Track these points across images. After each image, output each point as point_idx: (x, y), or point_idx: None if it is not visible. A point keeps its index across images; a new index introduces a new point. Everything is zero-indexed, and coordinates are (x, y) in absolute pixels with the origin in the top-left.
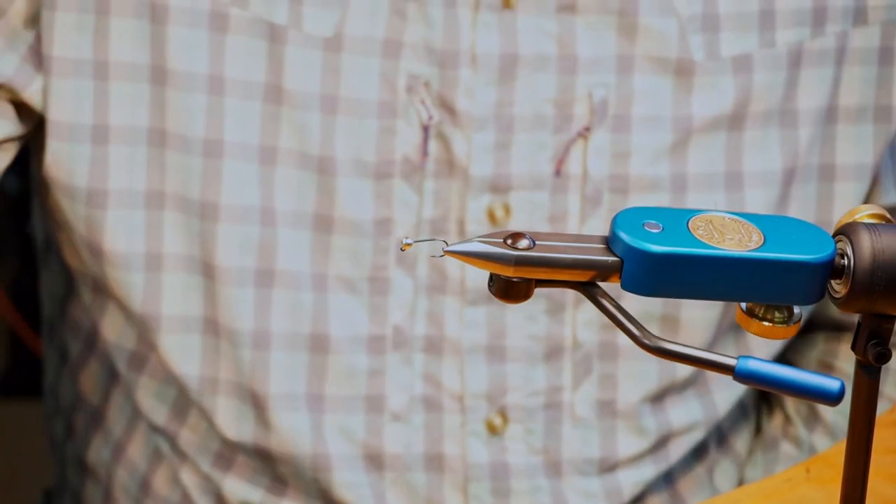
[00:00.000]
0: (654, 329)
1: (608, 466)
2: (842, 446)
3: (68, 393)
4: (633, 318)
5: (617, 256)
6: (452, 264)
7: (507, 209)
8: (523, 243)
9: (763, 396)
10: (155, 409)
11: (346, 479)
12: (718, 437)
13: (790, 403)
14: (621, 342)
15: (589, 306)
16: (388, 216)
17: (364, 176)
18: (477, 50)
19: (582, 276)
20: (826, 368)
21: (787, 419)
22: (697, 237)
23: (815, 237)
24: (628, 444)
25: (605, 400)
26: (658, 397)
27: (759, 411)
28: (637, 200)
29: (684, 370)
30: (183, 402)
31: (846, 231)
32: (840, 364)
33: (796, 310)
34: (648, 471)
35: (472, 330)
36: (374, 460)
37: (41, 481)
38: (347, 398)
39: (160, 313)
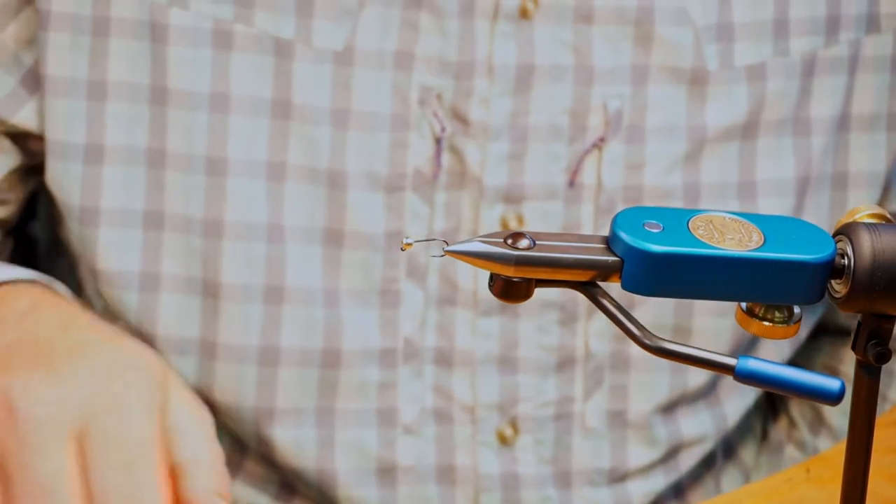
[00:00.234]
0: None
1: (618, 477)
2: (842, 446)
3: None
4: (634, 318)
5: (617, 256)
6: (464, 275)
7: (520, 219)
8: (524, 243)
9: (768, 401)
10: None
11: (352, 494)
12: (725, 446)
13: (795, 408)
14: (633, 353)
15: (601, 317)
16: (399, 229)
17: (375, 189)
18: (494, 60)
19: (582, 276)
20: (831, 372)
21: (792, 423)
22: (697, 237)
23: (815, 237)
24: (639, 454)
25: (616, 410)
26: (669, 408)
27: (764, 417)
28: None
29: (695, 381)
30: None
31: (846, 231)
32: (844, 368)
33: (796, 309)
34: (658, 481)
35: (485, 340)
36: (387, 474)
37: None
38: (359, 412)
39: (156, 333)
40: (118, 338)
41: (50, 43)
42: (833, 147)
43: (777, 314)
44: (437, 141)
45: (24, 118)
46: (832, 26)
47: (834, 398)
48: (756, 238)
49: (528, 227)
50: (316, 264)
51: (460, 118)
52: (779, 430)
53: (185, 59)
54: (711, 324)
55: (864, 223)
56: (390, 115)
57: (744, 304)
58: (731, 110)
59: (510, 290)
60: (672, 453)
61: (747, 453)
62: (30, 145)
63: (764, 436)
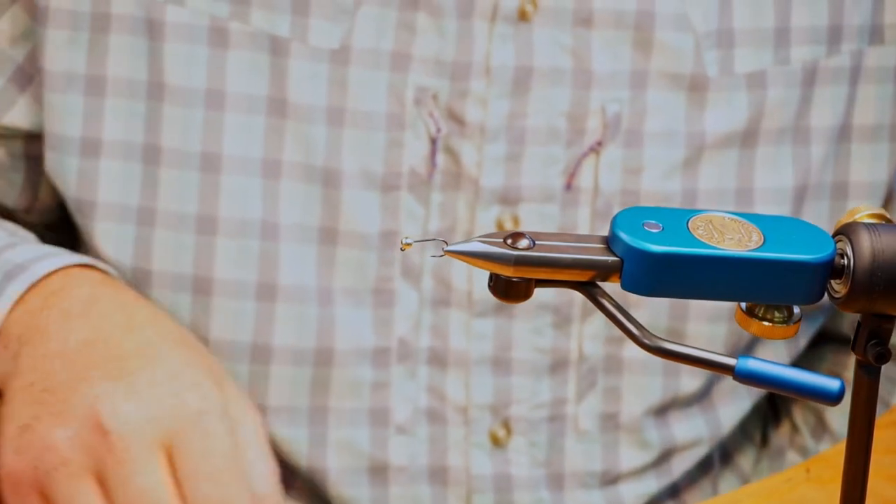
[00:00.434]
0: None
1: (610, 479)
2: (842, 446)
3: None
4: (633, 319)
5: (617, 256)
6: (458, 276)
7: (516, 221)
8: (523, 243)
9: (771, 406)
10: None
11: (344, 493)
12: (722, 452)
13: (798, 413)
14: (626, 355)
15: (595, 319)
16: (394, 229)
17: (370, 188)
18: (492, 62)
19: (582, 276)
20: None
21: (794, 428)
22: (697, 237)
23: (815, 237)
24: (631, 457)
25: (609, 413)
26: (661, 411)
27: (765, 423)
28: None
29: (689, 385)
30: None
31: (846, 231)
32: (849, 374)
33: (796, 310)
34: (651, 484)
35: (479, 342)
36: (379, 473)
37: None
38: (352, 411)
39: None
40: (180, 340)
41: (48, 39)
42: (833, 157)
43: (777, 314)
44: (433, 141)
45: (14, 118)
46: (834, 36)
47: (833, 398)
48: (756, 238)
49: (524, 229)
50: (310, 262)
51: (456, 119)
52: (781, 435)
53: (181, 56)
54: (706, 329)
55: (863, 223)
56: (386, 114)
57: (743, 304)
58: (731, 117)
59: (510, 290)
60: (665, 457)
61: (745, 460)
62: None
63: (764, 443)
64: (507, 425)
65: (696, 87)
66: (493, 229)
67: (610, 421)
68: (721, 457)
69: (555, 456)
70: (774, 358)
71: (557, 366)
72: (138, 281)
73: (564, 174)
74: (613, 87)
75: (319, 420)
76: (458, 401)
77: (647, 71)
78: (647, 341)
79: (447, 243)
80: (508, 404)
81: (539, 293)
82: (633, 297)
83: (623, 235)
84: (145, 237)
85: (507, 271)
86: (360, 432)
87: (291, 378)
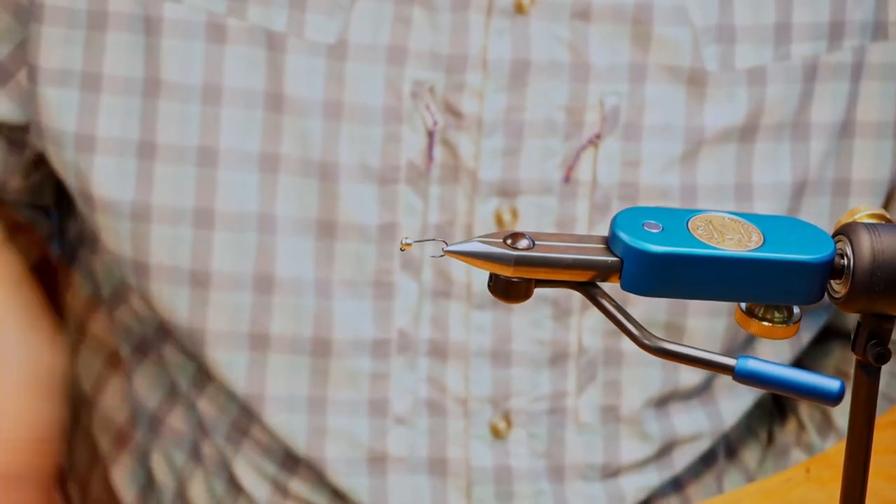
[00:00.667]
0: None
1: (611, 472)
2: (842, 446)
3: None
4: (633, 319)
5: (617, 256)
6: (458, 269)
7: (514, 213)
8: (523, 243)
9: (776, 405)
10: (149, 397)
11: (342, 482)
12: (727, 447)
13: (804, 410)
14: (625, 348)
15: (594, 312)
16: (393, 221)
17: (368, 181)
18: (489, 55)
19: (582, 276)
20: (842, 376)
21: (801, 426)
22: (697, 237)
23: (815, 237)
24: (631, 449)
25: (609, 406)
26: (662, 403)
27: (771, 420)
28: None
29: (688, 378)
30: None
31: (846, 231)
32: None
33: (796, 310)
34: (652, 477)
35: (479, 334)
36: (378, 463)
37: None
38: (351, 402)
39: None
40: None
41: (43, 35)
42: (835, 153)
43: (777, 314)
44: (430, 134)
45: None
46: (836, 32)
47: (834, 398)
48: (756, 238)
49: (523, 222)
50: (308, 255)
51: (453, 112)
52: (787, 433)
53: (178, 52)
54: (705, 324)
55: (863, 223)
56: (383, 108)
57: (743, 304)
58: (730, 112)
59: (510, 290)
60: (666, 450)
61: (750, 456)
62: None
63: (770, 440)
64: (507, 417)
65: (696, 81)
66: (491, 222)
67: (610, 413)
68: (726, 453)
69: (555, 448)
70: (776, 354)
71: (557, 358)
72: (137, 274)
73: (563, 167)
74: (612, 80)
75: (318, 410)
76: (458, 392)
77: (645, 64)
78: (646, 341)
79: (447, 243)
80: (508, 396)
81: None
82: (631, 294)
83: (623, 235)
84: (143, 231)
85: (506, 271)
86: (359, 423)
87: (289, 367)
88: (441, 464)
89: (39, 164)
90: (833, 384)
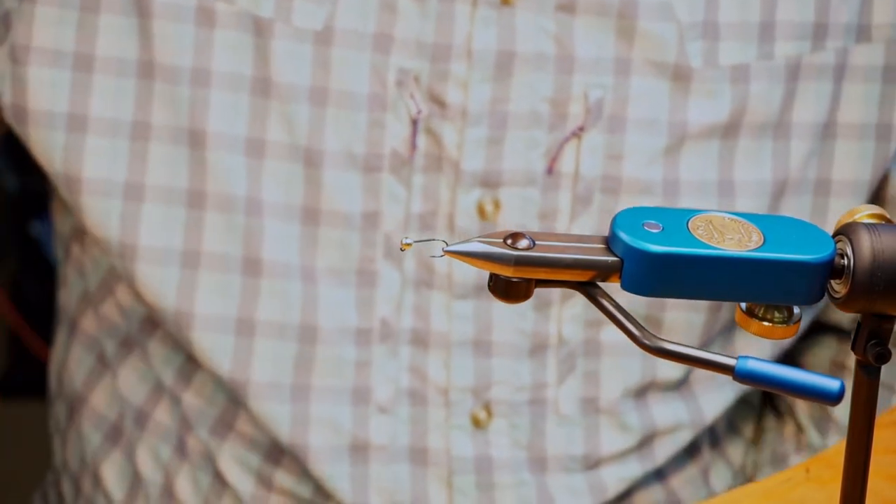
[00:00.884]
0: None
1: (592, 463)
2: (842, 446)
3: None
4: (633, 318)
5: (617, 256)
6: (440, 259)
7: (497, 204)
8: (523, 243)
9: (771, 407)
10: (135, 393)
11: (324, 469)
12: (712, 440)
13: (801, 409)
14: (605, 339)
15: (575, 303)
16: (377, 210)
17: (352, 169)
18: (474, 45)
19: (582, 276)
20: (839, 368)
21: (799, 428)
22: (697, 237)
23: (815, 237)
24: (612, 440)
25: (589, 397)
26: (640, 394)
27: (762, 417)
28: (628, 202)
29: (667, 370)
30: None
31: (846, 231)
32: (852, 364)
33: (796, 310)
34: (634, 468)
35: (460, 323)
36: (359, 451)
37: (41, 481)
38: (334, 389)
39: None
40: None
41: (37, 16)
42: (817, 153)
43: (777, 314)
44: (413, 122)
45: None
46: (819, 32)
47: (834, 398)
48: (756, 238)
49: (505, 213)
50: (293, 240)
51: (437, 101)
52: (786, 440)
53: (168, 35)
54: (684, 317)
55: (863, 223)
56: (368, 95)
57: (743, 304)
58: (714, 109)
59: (510, 290)
60: (646, 441)
61: (734, 450)
62: None
63: (756, 439)
64: (487, 407)
65: (680, 76)
66: (474, 212)
67: (590, 405)
68: (711, 446)
69: (536, 439)
70: (759, 348)
71: (537, 349)
72: (124, 257)
73: (546, 158)
74: (596, 72)
75: (302, 397)
76: (439, 382)
77: (630, 58)
78: (647, 342)
79: (447, 243)
80: (489, 386)
81: None
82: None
83: (623, 235)
84: (133, 211)
85: (507, 271)
86: (341, 410)
87: (275, 353)
88: (422, 453)
89: None
90: (833, 384)
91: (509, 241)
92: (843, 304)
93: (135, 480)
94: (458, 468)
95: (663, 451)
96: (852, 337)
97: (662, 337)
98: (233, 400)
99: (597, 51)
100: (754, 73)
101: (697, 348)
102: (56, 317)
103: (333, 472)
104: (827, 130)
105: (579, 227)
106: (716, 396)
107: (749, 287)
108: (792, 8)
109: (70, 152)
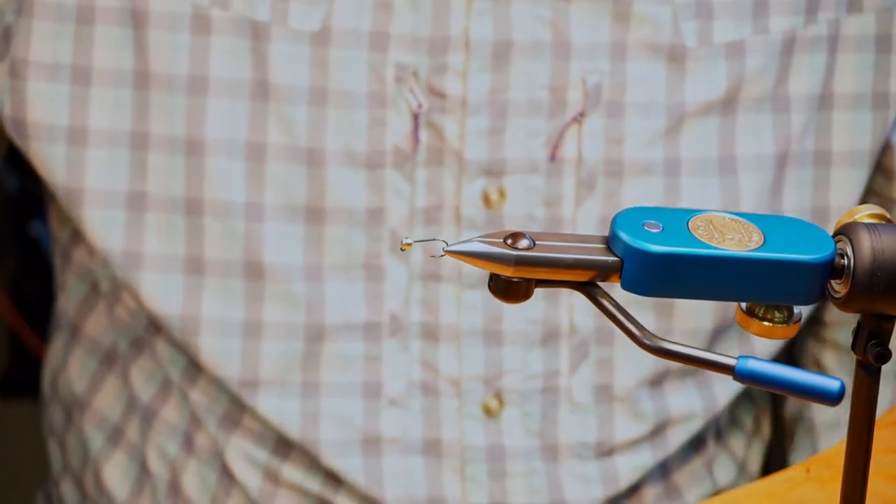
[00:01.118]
0: (650, 316)
1: (605, 451)
2: (842, 446)
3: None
4: (633, 318)
5: (617, 256)
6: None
7: (501, 193)
8: (523, 243)
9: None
10: (144, 391)
11: (337, 463)
12: (716, 432)
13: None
14: None
15: None
16: (381, 206)
17: (355, 166)
18: (471, 36)
19: (582, 276)
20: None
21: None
22: (697, 237)
23: (815, 237)
24: (625, 428)
25: (603, 384)
26: (656, 382)
27: (759, 412)
28: (631, 184)
29: None
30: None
31: (846, 231)
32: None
33: (796, 310)
34: (646, 457)
35: (470, 313)
36: (372, 445)
37: (41, 481)
38: (344, 385)
39: (140, 311)
40: None
41: (34, 30)
42: (815, 125)
43: (777, 314)
44: (415, 117)
45: None
46: (812, 5)
47: (833, 398)
48: (756, 238)
49: (510, 202)
50: (297, 242)
51: (437, 93)
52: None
53: (164, 44)
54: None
55: (863, 223)
56: (367, 93)
57: (744, 304)
58: (711, 86)
59: (510, 290)
60: (660, 429)
61: (737, 444)
62: None
63: (756, 429)
64: (499, 396)
65: (676, 57)
66: (479, 202)
67: (604, 392)
68: (715, 436)
69: (548, 427)
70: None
71: (549, 337)
72: (129, 265)
73: (548, 145)
74: (593, 58)
75: (311, 394)
76: (451, 373)
77: (626, 42)
78: (647, 341)
79: (447, 243)
80: (500, 375)
81: None
82: None
83: (623, 235)
84: (135, 221)
85: (507, 271)
86: (352, 405)
87: (283, 353)
88: (435, 445)
89: None
90: (833, 384)
91: (509, 241)
92: (843, 304)
93: (140, 478)
94: (471, 457)
95: (675, 439)
96: (852, 337)
97: (663, 337)
98: (239, 398)
99: (593, 36)
100: (750, 49)
101: (698, 348)
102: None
103: (346, 465)
104: (823, 102)
105: (584, 211)
106: (729, 383)
107: (749, 287)
108: None
109: (71, 165)
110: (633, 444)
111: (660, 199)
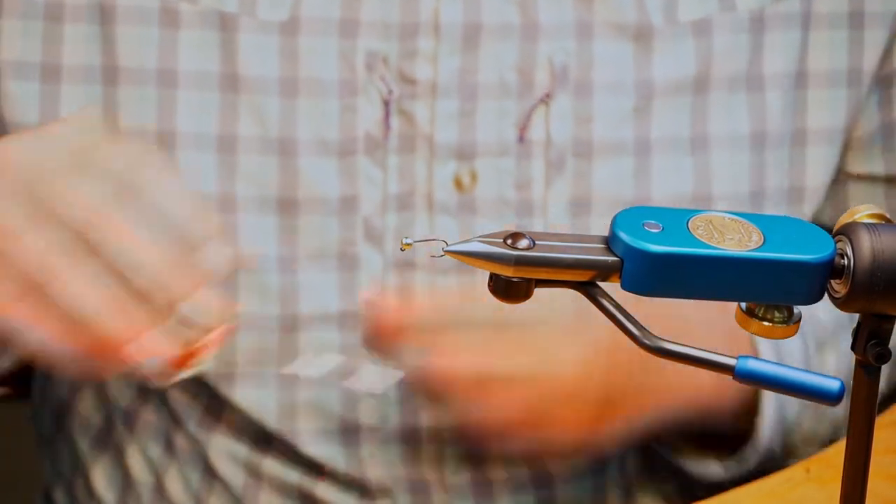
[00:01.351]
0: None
1: None
2: (842, 446)
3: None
4: (634, 319)
5: (617, 256)
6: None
7: (473, 176)
8: (523, 243)
9: None
10: (123, 395)
11: (316, 452)
12: None
13: None
14: None
15: None
16: (354, 193)
17: (327, 154)
18: (441, 19)
19: (582, 276)
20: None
21: None
22: (697, 237)
23: (815, 237)
24: None
25: None
26: None
27: None
28: (601, 164)
29: None
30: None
31: (846, 231)
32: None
33: (796, 310)
34: None
35: (444, 300)
36: (351, 434)
37: (41, 481)
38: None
39: None
40: None
41: (3, 29)
42: (792, 103)
43: (777, 314)
44: (386, 104)
45: None
46: None
47: (833, 398)
48: (756, 238)
49: (482, 184)
50: (270, 232)
51: (407, 79)
52: None
53: (132, 39)
54: None
55: (863, 223)
56: (338, 81)
57: (743, 304)
58: (679, 65)
59: (510, 290)
60: None
61: None
62: None
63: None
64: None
65: (642, 35)
66: (451, 185)
67: None
68: None
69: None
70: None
71: None
72: None
73: (517, 127)
74: (559, 38)
75: (288, 384)
76: None
77: (591, 21)
78: (647, 342)
79: (447, 243)
80: None
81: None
82: None
83: (623, 235)
84: None
85: (507, 271)
86: (329, 394)
87: (258, 344)
88: (414, 433)
89: None
90: (833, 384)
91: (509, 241)
92: (843, 304)
93: (125, 483)
94: (451, 441)
95: None
96: (852, 337)
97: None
98: (218, 391)
99: (559, 16)
100: (717, 27)
101: (698, 348)
102: None
103: (325, 453)
104: (799, 80)
105: (555, 192)
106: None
107: (749, 287)
108: None
109: None
110: None
111: (630, 179)
